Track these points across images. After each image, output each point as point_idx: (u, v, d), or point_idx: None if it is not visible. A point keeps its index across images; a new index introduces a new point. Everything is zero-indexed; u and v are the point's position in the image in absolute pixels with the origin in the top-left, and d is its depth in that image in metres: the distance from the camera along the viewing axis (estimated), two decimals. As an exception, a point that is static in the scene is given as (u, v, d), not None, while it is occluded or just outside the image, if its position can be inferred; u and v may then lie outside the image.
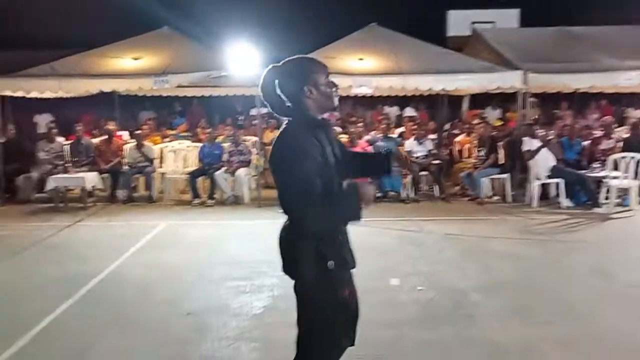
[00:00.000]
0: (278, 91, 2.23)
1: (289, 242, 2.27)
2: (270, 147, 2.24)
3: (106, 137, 9.51)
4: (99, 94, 10.23)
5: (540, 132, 8.49)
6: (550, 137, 8.55)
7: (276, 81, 2.24)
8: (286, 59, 2.28)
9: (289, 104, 2.25)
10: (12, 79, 8.74)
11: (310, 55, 2.41)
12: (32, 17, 14.35)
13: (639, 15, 10.93)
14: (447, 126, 12.34)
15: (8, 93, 8.99)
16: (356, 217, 2.11)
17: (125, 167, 9.09)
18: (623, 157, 7.84)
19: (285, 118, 2.28)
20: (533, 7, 14.33)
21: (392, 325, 3.94)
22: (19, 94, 9.13)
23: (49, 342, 3.74)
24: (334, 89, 2.27)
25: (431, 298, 4.46)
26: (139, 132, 9.56)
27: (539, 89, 10.02)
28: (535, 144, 8.16)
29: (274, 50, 9.79)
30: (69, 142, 9.63)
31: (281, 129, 2.24)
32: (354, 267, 2.35)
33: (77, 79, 8.83)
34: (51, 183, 8.28)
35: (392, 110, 14.15)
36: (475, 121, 10.85)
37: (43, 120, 13.05)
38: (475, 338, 3.73)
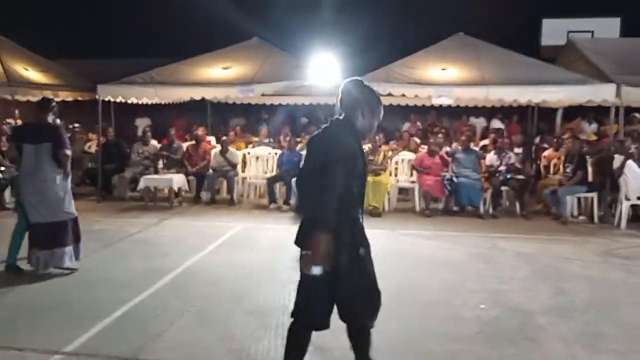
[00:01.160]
0: (347, 95, 2.84)
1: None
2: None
3: (194, 142, 10.09)
4: (194, 101, 10.89)
5: (630, 147, 7.93)
6: (632, 150, 7.93)
7: (350, 90, 2.86)
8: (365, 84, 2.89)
9: (345, 109, 2.84)
10: (114, 85, 9.45)
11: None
12: (131, 28, 15.52)
13: None
14: (537, 140, 11.84)
15: (109, 98, 9.75)
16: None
17: (210, 171, 9.60)
18: None
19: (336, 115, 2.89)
20: (637, 15, 13.35)
21: (452, 339, 3.90)
22: (119, 99, 9.93)
23: (126, 327, 4.08)
24: (375, 124, 2.88)
25: (495, 316, 4.34)
26: (224, 138, 10.06)
27: (637, 104, 9.35)
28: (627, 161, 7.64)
29: (358, 59, 9.97)
30: (161, 144, 10.34)
31: (329, 124, 2.85)
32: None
33: (170, 86, 9.42)
34: (142, 183, 8.94)
35: (478, 122, 13.80)
36: (566, 135, 10.34)
37: (143, 124, 14.04)
38: (535, 361, 3.61)
